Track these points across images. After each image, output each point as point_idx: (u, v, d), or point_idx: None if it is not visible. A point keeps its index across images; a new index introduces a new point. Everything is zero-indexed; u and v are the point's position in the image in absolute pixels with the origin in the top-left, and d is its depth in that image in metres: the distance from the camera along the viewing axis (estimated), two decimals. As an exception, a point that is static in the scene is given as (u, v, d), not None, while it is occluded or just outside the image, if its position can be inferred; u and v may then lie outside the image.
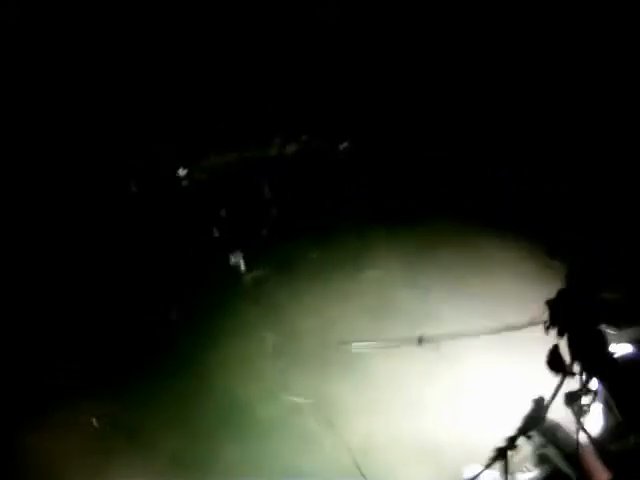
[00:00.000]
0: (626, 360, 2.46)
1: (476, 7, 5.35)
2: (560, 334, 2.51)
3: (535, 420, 2.77)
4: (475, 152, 5.55)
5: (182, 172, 5.55)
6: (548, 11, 5.28)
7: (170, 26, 5.41)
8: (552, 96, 5.40)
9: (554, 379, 2.88)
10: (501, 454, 2.88)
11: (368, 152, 5.74)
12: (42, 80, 5.31)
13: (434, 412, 4.67)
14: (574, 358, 2.39)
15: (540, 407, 2.72)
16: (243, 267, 5.54)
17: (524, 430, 2.78)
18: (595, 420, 2.66)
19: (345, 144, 5.73)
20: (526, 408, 2.91)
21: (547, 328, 2.52)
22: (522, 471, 3.08)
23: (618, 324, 2.49)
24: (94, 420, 4.75)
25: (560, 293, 2.47)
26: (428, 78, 5.57)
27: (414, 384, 4.85)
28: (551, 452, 2.80)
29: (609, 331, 2.45)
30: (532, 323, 2.76)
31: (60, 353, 5.06)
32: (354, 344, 4.76)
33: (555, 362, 2.43)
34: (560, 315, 2.39)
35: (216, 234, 5.56)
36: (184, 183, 5.55)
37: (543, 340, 3.03)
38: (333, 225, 5.71)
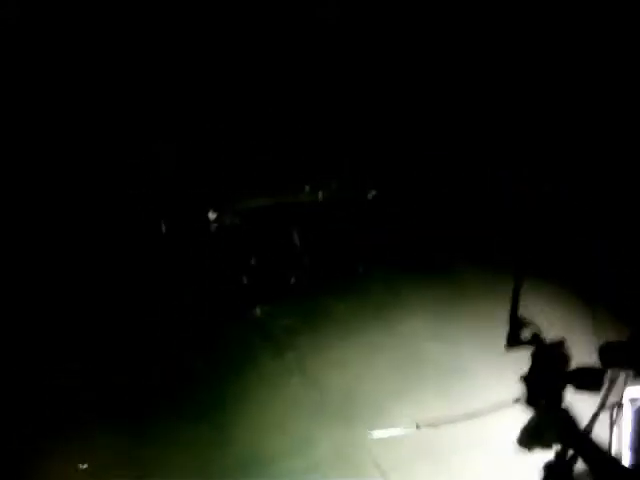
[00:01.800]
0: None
1: (476, 7, 5.29)
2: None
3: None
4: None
5: (212, 215, 5.54)
6: (548, 11, 5.20)
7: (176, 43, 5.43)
8: (552, 96, 5.28)
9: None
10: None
11: (398, 201, 5.68)
12: (42, 80, 5.32)
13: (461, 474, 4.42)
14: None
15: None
16: (268, 315, 5.44)
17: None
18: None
19: (374, 192, 5.69)
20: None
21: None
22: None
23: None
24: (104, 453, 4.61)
25: (529, 371, 2.36)
26: (430, 88, 5.51)
27: (441, 445, 4.61)
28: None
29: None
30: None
31: (80, 382, 4.97)
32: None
33: (523, 439, 2.26)
34: (532, 393, 2.29)
35: (243, 280, 5.50)
36: (213, 226, 5.53)
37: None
38: (362, 275, 5.63)
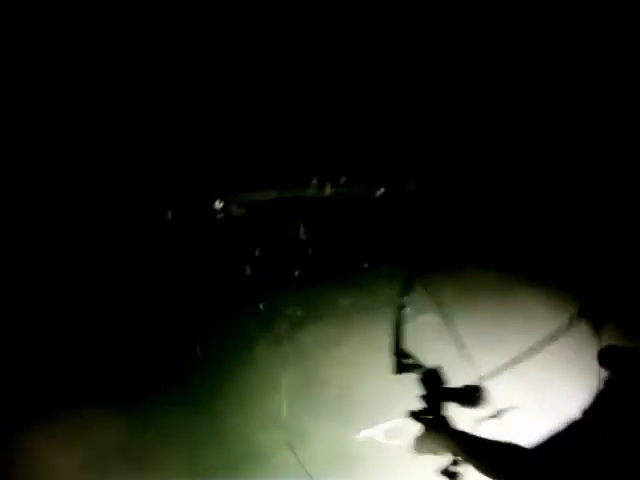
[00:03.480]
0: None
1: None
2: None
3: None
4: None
5: (219, 205, 5.47)
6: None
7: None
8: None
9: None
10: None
11: (406, 197, 5.60)
12: (43, 82, 5.29)
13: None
14: None
15: None
16: (270, 307, 5.37)
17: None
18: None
19: (382, 190, 5.60)
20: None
21: None
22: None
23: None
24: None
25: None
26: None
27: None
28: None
29: None
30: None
31: (76, 366, 4.94)
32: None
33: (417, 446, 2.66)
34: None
35: (246, 271, 5.43)
36: (219, 216, 5.47)
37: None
38: (366, 271, 5.53)
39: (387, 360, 4.98)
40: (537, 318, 4.72)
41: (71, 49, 5.17)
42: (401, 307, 3.01)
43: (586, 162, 5.24)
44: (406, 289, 3.11)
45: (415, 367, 2.85)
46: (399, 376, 4.72)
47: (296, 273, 5.48)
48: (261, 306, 5.29)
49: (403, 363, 2.91)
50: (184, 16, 5.20)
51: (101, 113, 5.42)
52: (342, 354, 5.16)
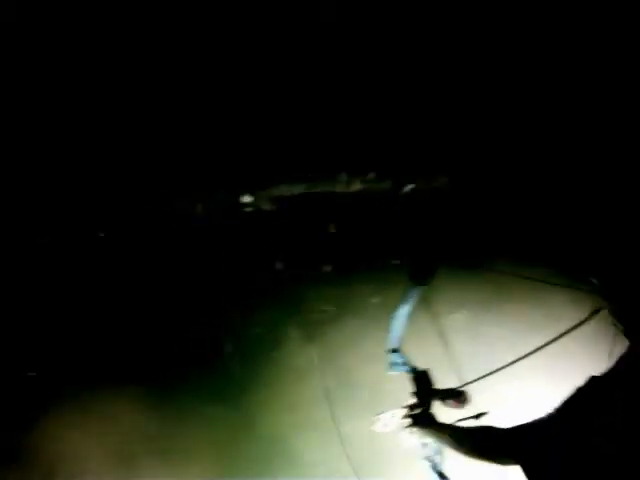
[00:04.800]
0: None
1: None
2: None
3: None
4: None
5: (247, 199, 5.42)
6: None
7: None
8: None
9: None
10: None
11: (437, 195, 5.53)
12: (43, 82, 5.23)
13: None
14: None
15: None
16: (302, 302, 5.32)
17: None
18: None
19: (410, 187, 5.52)
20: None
21: None
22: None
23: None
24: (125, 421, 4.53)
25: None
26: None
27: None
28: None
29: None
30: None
31: (108, 351, 4.96)
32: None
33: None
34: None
35: (278, 266, 5.38)
36: (247, 210, 5.42)
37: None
38: (399, 268, 5.46)
39: (417, 358, 4.96)
40: (565, 320, 4.66)
41: (71, 49, 5.11)
42: (402, 307, 3.26)
43: (612, 162, 5.18)
44: (415, 287, 3.29)
45: (406, 366, 3.14)
46: (455, 369, 4.71)
47: (326, 269, 5.42)
48: (293, 302, 5.23)
49: (395, 362, 3.20)
50: (185, 15, 5.12)
51: (104, 111, 5.36)
52: (373, 352, 5.09)
